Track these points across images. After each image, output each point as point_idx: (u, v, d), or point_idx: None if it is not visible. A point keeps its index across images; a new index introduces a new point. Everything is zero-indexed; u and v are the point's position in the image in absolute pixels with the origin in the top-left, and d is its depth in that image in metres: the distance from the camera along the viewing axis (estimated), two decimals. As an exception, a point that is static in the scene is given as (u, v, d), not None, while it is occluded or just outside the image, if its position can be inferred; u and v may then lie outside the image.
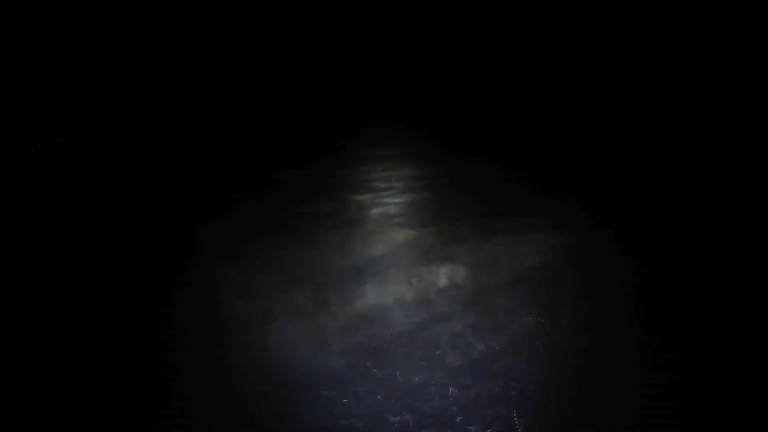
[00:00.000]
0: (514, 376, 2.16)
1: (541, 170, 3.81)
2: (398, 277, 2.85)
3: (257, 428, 2.03)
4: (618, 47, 4.97)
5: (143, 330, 2.57)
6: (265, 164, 4.13)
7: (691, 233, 3.07)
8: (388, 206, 3.55)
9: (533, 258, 2.91)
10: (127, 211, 3.62)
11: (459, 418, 2.00)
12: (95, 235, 3.36)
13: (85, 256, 3.15)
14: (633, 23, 4.97)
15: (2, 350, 2.47)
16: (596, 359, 2.23)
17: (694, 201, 3.37)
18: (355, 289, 2.78)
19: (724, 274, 2.71)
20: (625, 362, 2.20)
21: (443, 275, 2.86)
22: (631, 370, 2.16)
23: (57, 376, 2.32)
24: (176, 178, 4.02)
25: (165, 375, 2.30)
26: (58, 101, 4.76)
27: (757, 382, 2.05)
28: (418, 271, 2.90)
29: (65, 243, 3.29)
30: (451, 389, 2.13)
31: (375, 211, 3.49)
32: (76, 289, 2.88)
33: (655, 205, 3.36)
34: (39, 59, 4.80)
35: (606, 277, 2.74)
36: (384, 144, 4.35)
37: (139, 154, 4.37)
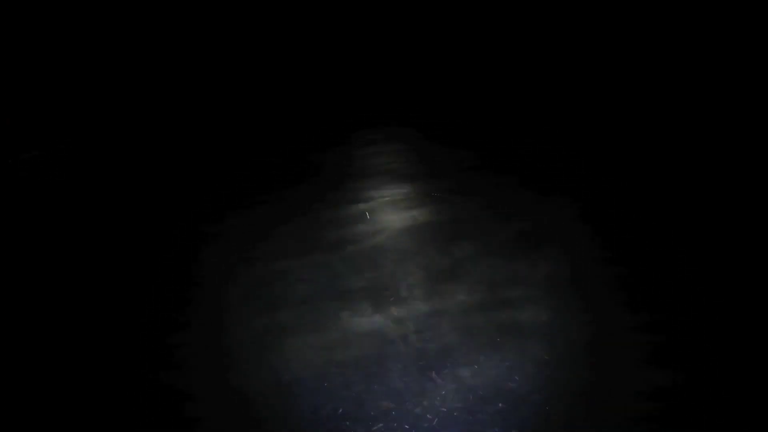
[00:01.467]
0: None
1: (540, 171, 3.80)
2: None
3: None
4: (611, 49, 4.98)
5: (143, 330, 2.56)
6: (265, 164, 4.13)
7: (691, 232, 3.06)
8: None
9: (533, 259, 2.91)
10: (128, 213, 3.62)
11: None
12: (94, 236, 3.35)
13: (84, 256, 3.15)
14: (626, 24, 4.98)
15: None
16: (595, 359, 2.22)
17: (691, 201, 3.37)
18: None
19: (724, 272, 2.69)
20: (624, 362, 2.19)
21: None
22: (631, 370, 2.15)
23: (56, 376, 2.31)
24: (179, 180, 4.02)
25: (170, 377, 2.29)
26: (59, 102, 4.78)
27: (757, 381, 2.04)
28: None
29: (65, 244, 3.29)
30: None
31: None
32: (75, 289, 2.87)
33: (653, 207, 3.35)
34: (39, 60, 4.81)
35: (604, 277, 2.73)
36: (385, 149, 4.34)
37: (139, 154, 4.37)
